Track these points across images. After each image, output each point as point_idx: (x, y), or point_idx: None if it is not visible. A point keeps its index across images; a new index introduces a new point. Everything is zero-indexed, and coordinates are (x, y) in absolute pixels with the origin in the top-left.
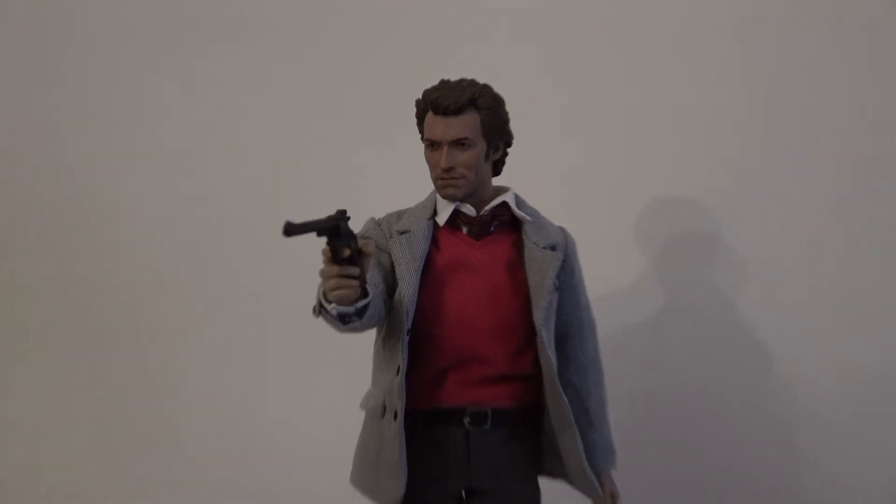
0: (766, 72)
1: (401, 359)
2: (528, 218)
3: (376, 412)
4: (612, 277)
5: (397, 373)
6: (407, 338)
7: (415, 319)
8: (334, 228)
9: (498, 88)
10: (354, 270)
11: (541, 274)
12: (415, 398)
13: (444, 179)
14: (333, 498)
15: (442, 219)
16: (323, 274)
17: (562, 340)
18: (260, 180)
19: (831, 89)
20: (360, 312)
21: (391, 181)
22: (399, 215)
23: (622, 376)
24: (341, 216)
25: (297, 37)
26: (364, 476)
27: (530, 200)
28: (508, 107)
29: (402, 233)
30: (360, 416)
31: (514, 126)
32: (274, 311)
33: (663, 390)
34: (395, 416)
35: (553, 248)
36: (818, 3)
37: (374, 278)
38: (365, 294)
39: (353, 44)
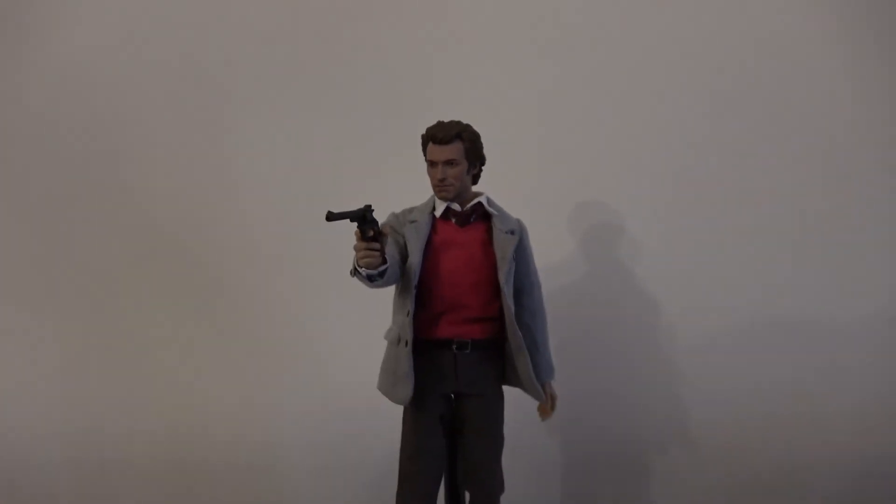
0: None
1: (410, 305)
2: (495, 212)
3: (394, 341)
4: (550, 254)
5: (407, 315)
6: (414, 291)
7: (420, 278)
8: (362, 216)
9: (480, 123)
10: (376, 245)
11: (503, 249)
12: (420, 331)
13: (439, 186)
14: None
15: (438, 213)
16: (355, 248)
17: (518, 294)
18: (321, 186)
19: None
20: (382, 274)
21: (404, 186)
22: (411, 210)
23: (559, 319)
24: (368, 208)
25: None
26: (385, 383)
27: (503, 200)
28: (487, 138)
29: (412, 222)
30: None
31: (496, 152)
32: (332, 276)
33: (587, 329)
34: (407, 344)
35: (512, 233)
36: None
37: (392, 251)
38: (384, 261)
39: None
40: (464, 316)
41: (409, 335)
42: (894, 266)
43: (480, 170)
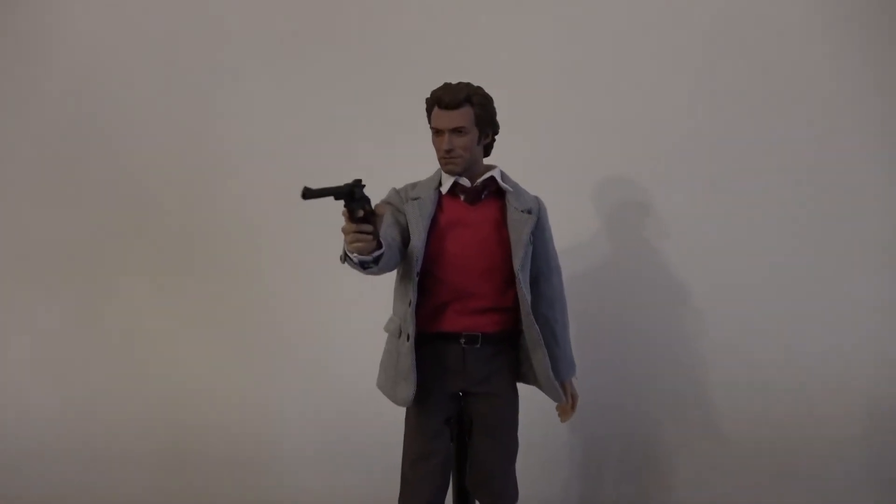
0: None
1: (412, 294)
2: (509, 189)
3: (395, 333)
4: (574, 233)
5: (409, 304)
6: (417, 278)
7: (424, 264)
8: (349, 193)
9: (496, 91)
10: (368, 227)
11: (519, 231)
12: (424, 323)
13: (445, 158)
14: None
15: (445, 188)
16: (343, 230)
17: (535, 281)
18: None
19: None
20: (377, 260)
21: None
22: (413, 186)
23: (579, 306)
24: (356, 184)
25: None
26: (385, 382)
27: (518, 175)
28: (504, 105)
29: (415, 199)
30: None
31: (519, 122)
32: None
33: (610, 315)
34: (408, 338)
35: (529, 212)
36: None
37: (392, 232)
38: (379, 245)
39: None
40: (473, 306)
41: (410, 328)
42: None
43: (493, 139)
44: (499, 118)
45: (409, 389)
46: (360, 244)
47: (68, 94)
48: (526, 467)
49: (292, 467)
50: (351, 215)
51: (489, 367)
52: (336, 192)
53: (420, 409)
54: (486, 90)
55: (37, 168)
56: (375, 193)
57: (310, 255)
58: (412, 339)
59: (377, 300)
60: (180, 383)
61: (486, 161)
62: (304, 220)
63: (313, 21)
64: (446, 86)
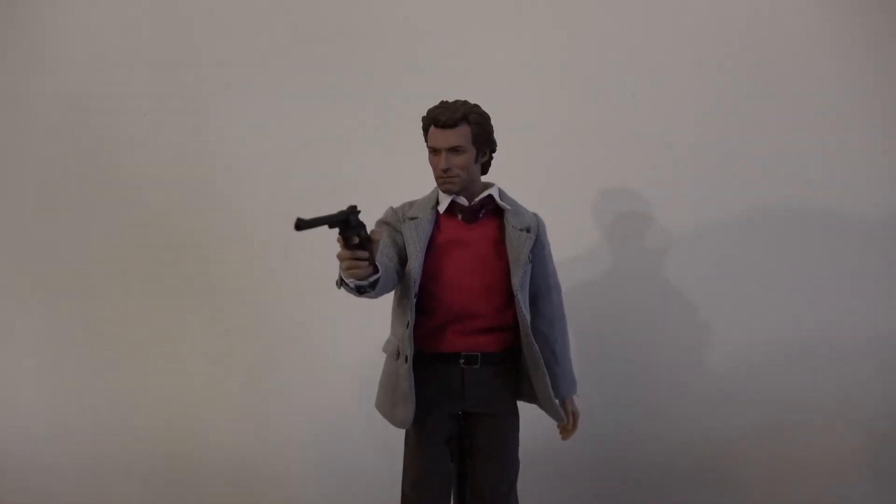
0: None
1: (410, 316)
2: (508, 207)
3: (393, 354)
4: (569, 248)
5: (407, 326)
6: (414, 300)
7: (422, 284)
8: (344, 221)
9: (493, 106)
10: (364, 254)
11: (517, 250)
12: (422, 344)
13: (442, 178)
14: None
15: (442, 208)
16: (339, 257)
17: (534, 299)
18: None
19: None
20: (373, 285)
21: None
22: (411, 205)
23: (578, 319)
24: (351, 210)
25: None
26: (384, 403)
27: (514, 190)
28: (502, 122)
29: (412, 219)
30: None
31: (511, 137)
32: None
33: (610, 329)
34: (406, 360)
35: (527, 230)
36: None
37: (389, 252)
38: (376, 270)
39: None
40: (473, 326)
41: (409, 350)
42: None
43: (491, 157)
44: (502, 128)
45: (407, 412)
46: (355, 270)
47: (68, 105)
48: (531, 482)
49: (293, 478)
50: (346, 242)
51: (489, 387)
52: (331, 221)
53: (420, 430)
54: (485, 101)
55: (38, 177)
56: (374, 206)
57: (309, 265)
58: (410, 361)
59: (378, 311)
60: (179, 393)
61: (483, 179)
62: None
63: (311, 29)
64: (443, 104)
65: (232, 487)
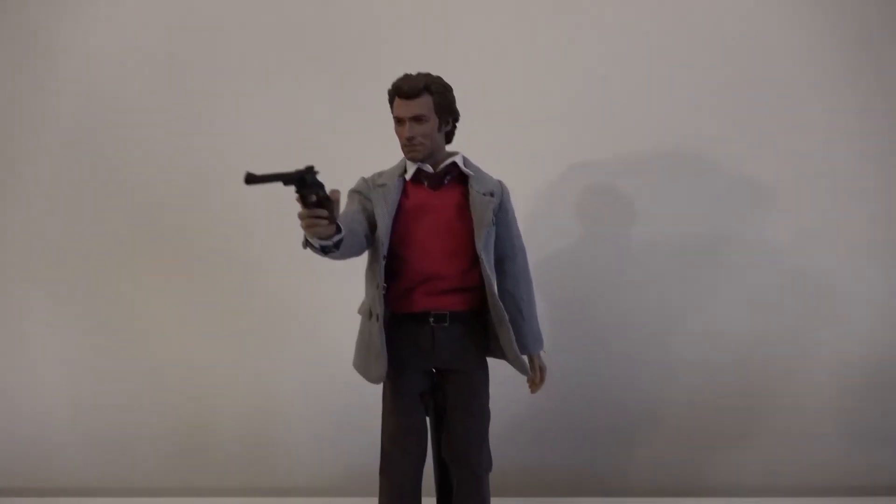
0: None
1: (379, 278)
2: (471, 173)
3: (366, 315)
4: (539, 219)
5: (377, 288)
6: (384, 262)
7: (392, 248)
8: (300, 180)
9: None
10: (322, 212)
11: (481, 213)
12: (395, 306)
13: (407, 146)
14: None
15: (409, 175)
16: (299, 216)
17: (500, 260)
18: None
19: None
20: (337, 245)
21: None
22: (380, 174)
23: (550, 287)
24: (308, 170)
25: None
26: (359, 361)
27: (484, 162)
28: (463, 92)
29: (380, 186)
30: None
31: (473, 109)
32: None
33: (581, 296)
34: (378, 319)
35: (491, 195)
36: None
37: (359, 218)
38: (339, 230)
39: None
40: (440, 287)
41: (379, 309)
42: None
43: (454, 126)
44: (462, 106)
45: (380, 368)
46: (316, 229)
47: (77, 106)
48: (500, 437)
49: (299, 445)
50: (303, 201)
51: (458, 344)
52: (285, 178)
53: (395, 387)
54: (462, 82)
55: (50, 176)
56: None
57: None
58: (381, 320)
59: None
60: (189, 370)
61: (448, 148)
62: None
63: (310, 25)
64: (406, 76)
65: (243, 454)
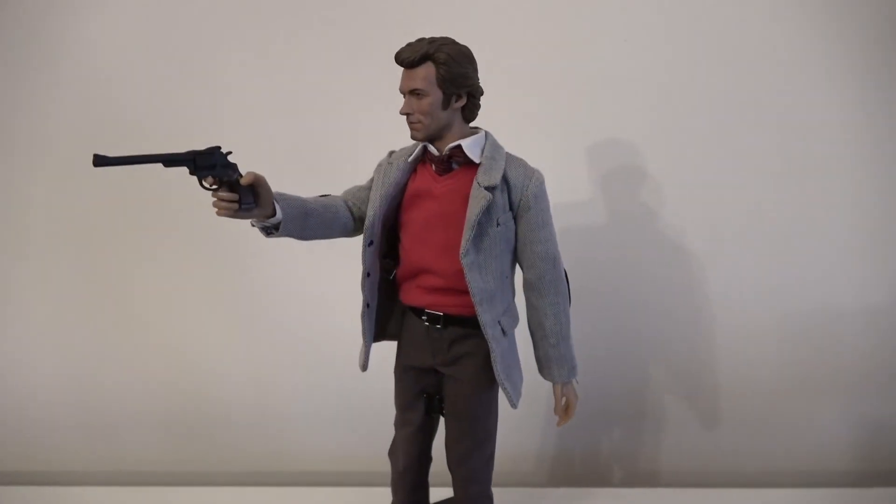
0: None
1: (365, 264)
2: (478, 161)
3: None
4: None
5: (368, 276)
6: (370, 248)
7: (396, 232)
8: (190, 161)
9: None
10: (228, 195)
11: (471, 209)
12: (401, 294)
13: (409, 124)
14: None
15: (412, 157)
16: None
17: (524, 268)
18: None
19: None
20: (276, 227)
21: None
22: (403, 150)
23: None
24: (201, 152)
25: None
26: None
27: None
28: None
29: (390, 164)
30: None
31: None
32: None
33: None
34: (368, 306)
35: (492, 189)
36: None
37: (361, 195)
38: (273, 214)
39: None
40: (433, 284)
41: (367, 297)
42: None
43: (472, 102)
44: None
45: (364, 356)
46: (221, 212)
47: (76, 94)
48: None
49: (297, 431)
50: (200, 183)
51: (456, 349)
52: (167, 160)
53: (399, 378)
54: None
55: (48, 161)
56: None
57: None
58: (372, 308)
59: None
60: (188, 352)
61: (471, 125)
62: (304, 185)
63: (316, 15)
64: (409, 43)
65: (239, 440)
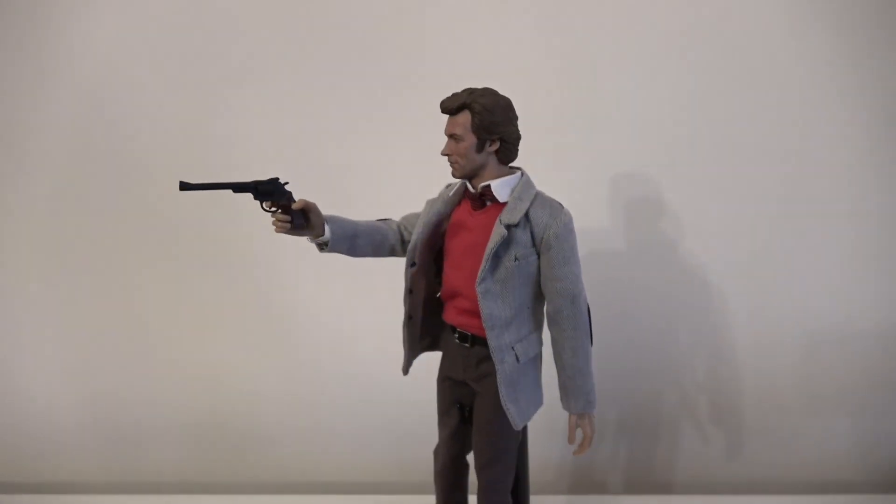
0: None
1: (408, 282)
2: (501, 200)
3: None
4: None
5: (410, 293)
6: (412, 268)
7: (441, 256)
8: (253, 189)
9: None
10: (284, 217)
11: (490, 243)
12: (444, 312)
13: (449, 163)
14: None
15: (453, 192)
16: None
17: (546, 301)
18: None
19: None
20: (327, 244)
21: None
22: (452, 185)
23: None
24: (260, 183)
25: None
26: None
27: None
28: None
29: (440, 196)
30: None
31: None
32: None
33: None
34: (411, 318)
35: (510, 227)
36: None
37: (412, 222)
38: (320, 234)
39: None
40: (464, 306)
41: (410, 310)
42: None
43: (507, 146)
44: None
45: (406, 362)
46: (277, 230)
47: (82, 98)
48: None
49: (307, 440)
50: (261, 206)
51: (483, 367)
52: (235, 187)
53: (439, 387)
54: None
55: (55, 170)
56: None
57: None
58: (416, 319)
59: (385, 287)
60: (197, 365)
61: (511, 165)
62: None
63: (320, 21)
64: (453, 93)
65: (252, 451)
